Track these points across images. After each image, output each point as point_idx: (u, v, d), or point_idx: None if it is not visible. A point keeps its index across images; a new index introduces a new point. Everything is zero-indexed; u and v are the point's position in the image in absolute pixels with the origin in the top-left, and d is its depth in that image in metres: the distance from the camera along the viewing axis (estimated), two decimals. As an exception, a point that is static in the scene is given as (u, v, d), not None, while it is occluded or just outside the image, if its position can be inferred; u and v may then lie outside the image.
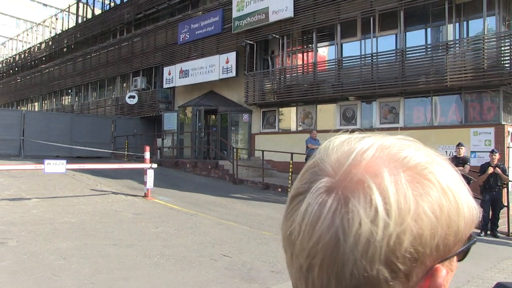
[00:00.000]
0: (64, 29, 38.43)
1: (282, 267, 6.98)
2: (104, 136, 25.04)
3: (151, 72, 26.88)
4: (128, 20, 28.71)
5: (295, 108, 19.32)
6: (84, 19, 35.80)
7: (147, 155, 13.92)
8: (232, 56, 20.72)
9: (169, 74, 24.41)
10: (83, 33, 34.04)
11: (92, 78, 31.98)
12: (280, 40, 19.20)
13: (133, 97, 26.60)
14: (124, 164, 17.17)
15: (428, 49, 15.60)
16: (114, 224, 9.88)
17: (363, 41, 17.22)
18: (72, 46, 35.47)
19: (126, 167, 15.56)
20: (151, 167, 13.31)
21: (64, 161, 11.90)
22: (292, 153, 15.81)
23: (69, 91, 35.65)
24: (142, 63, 27.03)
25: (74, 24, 36.73)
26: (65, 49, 36.84)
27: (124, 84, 29.76)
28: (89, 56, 32.45)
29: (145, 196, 13.32)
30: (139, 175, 14.60)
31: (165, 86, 24.97)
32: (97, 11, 35.19)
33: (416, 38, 16.28)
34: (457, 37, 15.25)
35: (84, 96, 33.70)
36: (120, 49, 29.15)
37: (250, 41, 19.92)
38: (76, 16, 36.83)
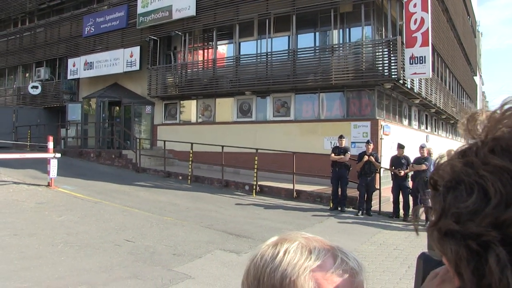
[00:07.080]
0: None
1: (183, 249, 7.45)
2: (5, 126, 24.29)
3: (55, 63, 26.52)
4: (31, 9, 27.90)
5: (195, 101, 20.17)
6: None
7: (50, 144, 13.94)
8: (136, 50, 21.24)
9: (74, 65, 24.30)
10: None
11: (-10, 67, 30.75)
12: (183, 37, 20.00)
13: (36, 87, 26.08)
14: (27, 154, 16.61)
15: (317, 51, 17.16)
16: (15, 214, 9.57)
17: (259, 41, 18.46)
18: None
19: (29, 157, 15.20)
20: (54, 157, 13.39)
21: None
22: (192, 143, 16.71)
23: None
24: (46, 53, 26.51)
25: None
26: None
27: (27, 74, 28.90)
28: (-14, 43, 31.17)
29: (49, 185, 13.28)
30: (42, 165, 14.47)
31: (69, 77, 24.79)
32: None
33: (306, 40, 17.86)
34: (341, 42, 16.97)
35: (-19, 85, 32.28)
36: (22, 39, 28.28)
37: (154, 36, 20.53)
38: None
